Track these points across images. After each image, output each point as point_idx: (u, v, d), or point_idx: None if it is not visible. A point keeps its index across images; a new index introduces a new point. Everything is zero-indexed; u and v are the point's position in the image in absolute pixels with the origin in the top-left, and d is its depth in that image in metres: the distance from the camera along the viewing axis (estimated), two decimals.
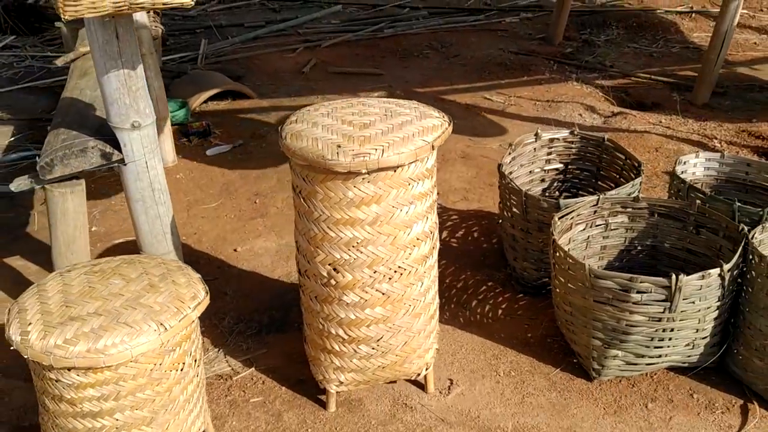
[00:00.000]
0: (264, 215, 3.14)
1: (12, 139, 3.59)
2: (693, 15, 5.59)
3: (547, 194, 2.80)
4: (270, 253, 2.86)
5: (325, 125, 1.83)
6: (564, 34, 5.10)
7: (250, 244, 2.92)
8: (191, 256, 2.80)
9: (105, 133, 2.10)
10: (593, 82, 4.43)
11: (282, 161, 3.55)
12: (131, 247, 2.87)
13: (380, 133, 1.78)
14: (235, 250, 2.89)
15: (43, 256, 2.79)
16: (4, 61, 4.55)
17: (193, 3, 1.77)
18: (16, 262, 2.79)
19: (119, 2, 1.69)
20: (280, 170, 3.49)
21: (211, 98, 4.16)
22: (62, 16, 1.69)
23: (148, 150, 2.08)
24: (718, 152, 3.39)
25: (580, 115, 4.00)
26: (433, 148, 1.80)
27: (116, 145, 2.06)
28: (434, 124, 1.84)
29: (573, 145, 2.71)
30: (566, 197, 2.78)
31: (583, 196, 2.74)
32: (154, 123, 2.08)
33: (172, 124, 3.62)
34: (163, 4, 1.73)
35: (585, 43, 5.12)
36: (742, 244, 2.00)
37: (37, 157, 2.08)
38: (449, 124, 1.87)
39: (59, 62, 2.75)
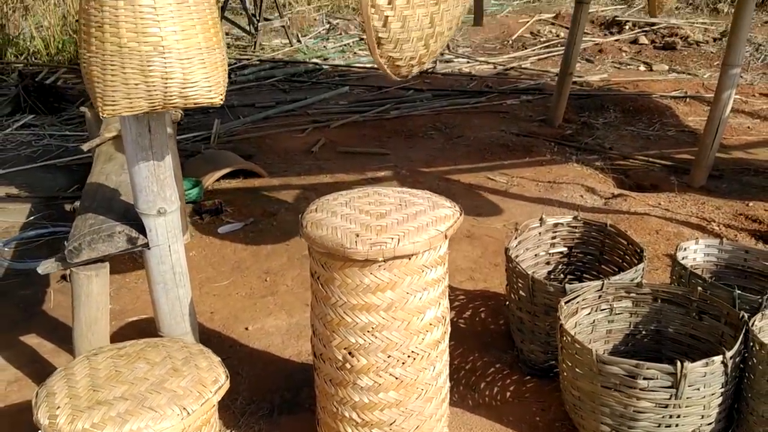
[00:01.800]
0: (274, 293, 3.21)
1: (31, 218, 3.70)
2: (687, 100, 5.82)
3: (552, 277, 2.88)
4: (281, 332, 2.91)
5: (343, 214, 1.93)
6: (564, 116, 5.30)
7: (261, 323, 2.98)
8: (204, 335, 2.85)
9: (130, 217, 2.20)
10: (593, 163, 4.58)
11: (291, 239, 3.65)
12: (145, 325, 2.93)
13: (396, 222, 1.88)
14: (246, 329, 2.95)
15: (59, 334, 2.85)
16: (22, 139, 4.71)
17: (222, 102, 1.90)
18: (32, 339, 2.84)
19: (154, 102, 1.81)
20: (290, 248, 3.58)
21: (224, 177, 4.30)
22: (101, 114, 1.82)
23: (172, 234, 2.17)
24: (717, 236, 3.50)
25: (581, 196, 4.12)
26: (445, 237, 1.90)
27: (141, 229, 2.16)
28: (446, 213, 1.94)
29: (576, 230, 2.81)
30: (571, 280, 2.86)
31: (587, 279, 2.81)
32: (178, 209, 2.18)
33: (186, 203, 3.74)
34: (195, 103, 1.85)
35: (584, 125, 5.31)
36: (743, 331, 2.07)
37: (54, 235, 2.17)
38: (460, 214, 1.98)
39: (85, 147, 2.89)
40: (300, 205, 4.02)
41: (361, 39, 8.60)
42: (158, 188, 2.09)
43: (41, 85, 4.99)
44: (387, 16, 1.85)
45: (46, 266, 2.14)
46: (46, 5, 6.28)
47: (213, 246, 3.64)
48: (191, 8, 1.58)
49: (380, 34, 1.89)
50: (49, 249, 3.46)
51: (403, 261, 1.85)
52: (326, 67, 7.07)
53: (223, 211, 3.95)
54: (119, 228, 2.14)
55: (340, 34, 8.86)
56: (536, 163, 4.61)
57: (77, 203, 2.88)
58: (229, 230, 3.79)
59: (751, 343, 2.07)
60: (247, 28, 7.91)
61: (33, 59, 6.29)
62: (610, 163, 4.61)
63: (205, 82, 1.83)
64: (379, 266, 1.83)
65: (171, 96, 1.80)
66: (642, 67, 7.15)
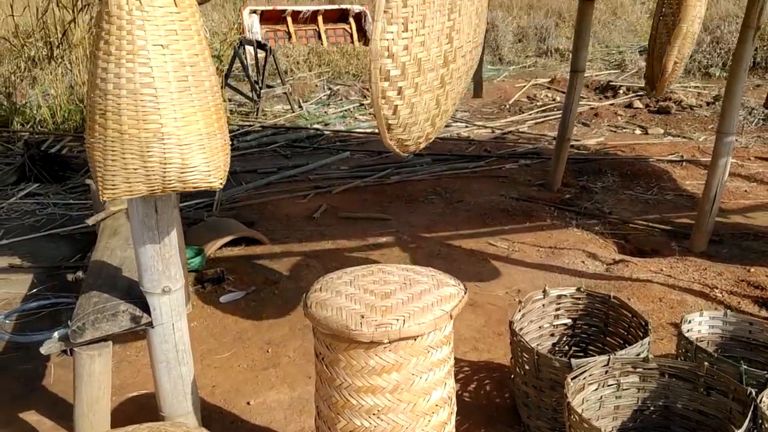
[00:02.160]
0: (276, 365, 3.18)
1: (33, 290, 3.70)
2: (684, 163, 5.90)
3: (557, 349, 2.86)
4: (283, 407, 2.87)
5: (348, 294, 1.93)
6: (562, 180, 5.36)
7: (263, 397, 2.94)
8: (205, 410, 2.81)
9: (134, 295, 2.21)
10: (593, 228, 4.61)
11: (293, 308, 3.63)
12: (146, 401, 2.89)
13: (401, 303, 1.88)
14: (248, 404, 2.91)
15: (59, 410, 2.81)
16: (27, 208, 4.75)
17: (222, 185, 1.93)
18: (32, 416, 2.80)
19: (153, 187, 1.84)
20: (292, 318, 3.57)
21: (226, 244, 4.31)
22: (101, 197, 1.85)
23: (176, 313, 2.17)
24: (721, 303, 3.50)
25: (583, 262, 4.13)
26: (450, 318, 1.90)
27: (145, 307, 2.16)
28: (451, 293, 1.95)
29: (580, 302, 2.81)
30: (576, 353, 2.84)
31: (592, 352, 2.80)
32: (182, 287, 2.19)
33: (188, 271, 3.74)
34: (194, 187, 1.88)
35: (583, 189, 5.36)
36: (751, 408, 2.05)
37: (56, 306, 2.17)
38: (465, 293, 1.98)
39: (90, 222, 2.91)
40: (301, 272, 4.03)
41: (362, 104, 8.77)
42: (163, 267, 2.10)
43: (46, 154, 5.06)
44: (396, 105, 1.90)
45: (49, 347, 2.13)
46: (53, 75, 6.42)
47: (215, 316, 3.62)
48: (192, 95, 1.63)
49: (390, 121, 1.94)
50: (51, 320, 3.45)
51: (409, 342, 1.85)
52: (328, 132, 7.19)
53: (225, 280, 3.95)
54: (123, 307, 2.14)
55: (341, 99, 9.04)
56: (537, 228, 4.64)
57: (79, 273, 2.89)
58: (230, 299, 3.78)
59: (760, 420, 2.04)
60: (250, 94, 8.07)
61: (39, 127, 6.40)
62: (610, 227, 4.63)
63: (205, 166, 1.86)
64: (385, 348, 1.83)
65: (170, 180, 1.83)
66: (638, 131, 7.27)
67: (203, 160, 1.85)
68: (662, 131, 7.25)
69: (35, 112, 6.36)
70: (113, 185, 1.83)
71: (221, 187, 1.92)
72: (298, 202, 5.18)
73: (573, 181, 5.49)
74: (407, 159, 6.14)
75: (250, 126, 7.31)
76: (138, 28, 1.48)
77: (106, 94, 1.49)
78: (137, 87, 1.48)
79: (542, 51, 11.65)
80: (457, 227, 4.69)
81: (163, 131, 1.74)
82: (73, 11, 6.25)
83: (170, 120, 1.74)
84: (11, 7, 6.68)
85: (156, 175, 1.81)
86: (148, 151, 1.76)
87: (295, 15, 11.10)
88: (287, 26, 11.12)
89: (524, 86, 9.52)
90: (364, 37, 11.13)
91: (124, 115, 1.70)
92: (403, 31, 1.77)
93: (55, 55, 6.48)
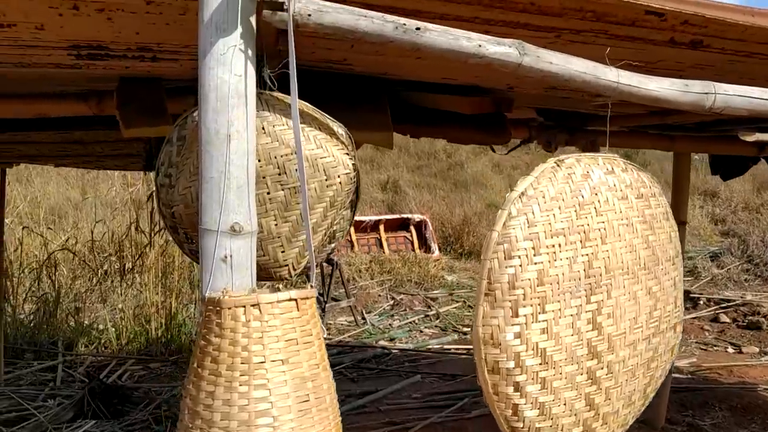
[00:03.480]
0: None
1: None
2: None
3: None
4: None
5: None
6: (666, 415, 4.78)
7: None
8: None
9: None
10: None
11: None
12: None
13: None
14: None
15: None
16: None
17: None
18: None
19: None
20: None
21: None
22: None
23: None
24: None
25: None
26: None
27: None
28: None
29: None
30: None
31: None
32: None
33: None
34: None
35: (690, 427, 4.75)
36: None
37: None
38: None
39: None
40: None
41: (427, 315, 8.50)
42: None
43: (107, 386, 4.82)
44: (517, 405, 1.55)
45: None
46: (124, 297, 6.41)
47: None
48: (314, 418, 1.32)
49: (514, 425, 1.58)
50: None
51: None
52: (395, 351, 6.84)
53: None
54: None
55: (405, 310, 8.80)
56: None
57: None
58: None
59: None
60: None
61: (103, 349, 6.25)
62: None
63: None
64: None
65: None
66: (730, 349, 6.71)
67: None
68: (757, 350, 6.67)
69: (101, 334, 6.26)
70: None
71: None
72: None
73: (678, 416, 4.89)
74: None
75: None
76: (255, 342, 1.23)
77: (211, 426, 1.21)
78: (251, 417, 1.20)
79: None
80: None
81: None
82: (150, 235, 6.39)
83: None
84: (92, 232, 6.92)
85: None
86: None
87: (358, 224, 11.30)
88: (350, 235, 11.29)
89: None
90: (424, 245, 11.19)
91: None
92: (512, 316, 1.48)
93: (127, 276, 6.53)
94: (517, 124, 2.88)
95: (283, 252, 1.53)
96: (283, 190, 1.47)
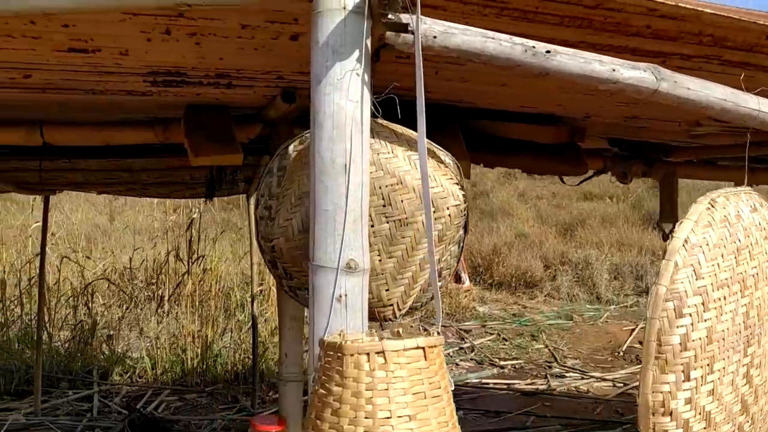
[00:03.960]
0: None
1: None
2: None
3: None
4: None
5: None
6: None
7: None
8: None
9: None
10: None
11: None
12: None
13: None
14: None
15: None
16: None
17: None
18: None
19: None
20: None
21: None
22: None
23: None
24: None
25: None
26: None
27: None
28: None
29: None
30: None
31: None
32: None
33: None
34: None
35: None
36: None
37: None
38: None
39: None
40: None
41: (461, 348, 8.31)
42: None
43: (146, 419, 4.72)
44: None
45: None
46: (160, 327, 6.33)
47: None
48: None
49: None
50: None
51: None
52: None
53: None
54: None
55: None
56: None
57: None
58: None
59: None
60: None
61: (137, 378, 6.15)
62: None
63: None
64: None
65: None
66: None
67: None
68: None
69: (136, 363, 6.17)
70: None
71: None
72: None
73: None
74: (524, 410, 5.50)
75: None
76: (380, 395, 1.12)
77: None
78: None
79: (641, 289, 11.17)
80: None
81: None
82: (188, 263, 6.32)
83: None
84: (130, 260, 6.87)
85: None
86: None
87: None
88: None
89: (633, 329, 8.93)
90: (455, 274, 11.03)
91: None
92: (684, 381, 1.35)
93: (163, 305, 6.46)
94: (590, 154, 2.78)
95: (387, 290, 1.42)
96: (387, 222, 1.37)
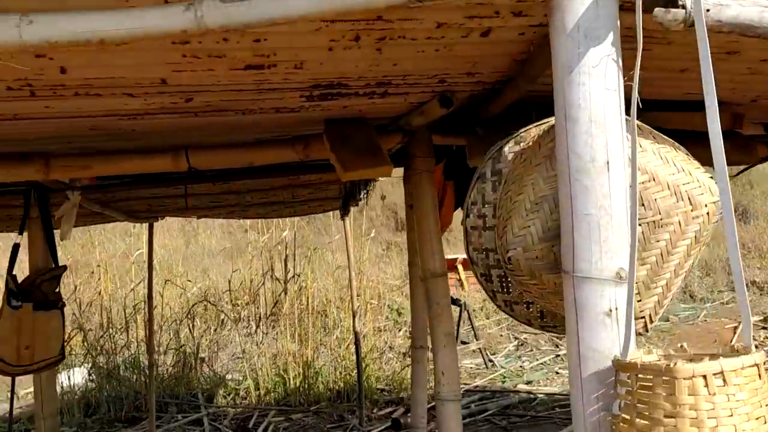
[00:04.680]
0: None
1: None
2: None
3: None
4: None
5: None
6: None
7: None
8: None
9: None
10: None
11: None
12: None
13: None
14: None
15: None
16: None
17: None
18: None
19: None
20: None
21: None
22: None
23: None
24: None
25: None
26: None
27: None
28: None
29: None
30: None
31: None
32: None
33: None
34: None
35: None
36: None
37: None
38: None
39: None
40: None
41: (557, 356, 8.05)
42: None
43: None
44: None
45: None
46: (261, 348, 6.33)
47: None
48: None
49: None
50: None
51: None
52: (541, 395, 6.44)
53: None
54: None
55: (532, 350, 8.39)
56: None
57: None
58: None
59: None
60: None
61: (241, 400, 6.15)
62: None
63: None
64: None
65: None
66: None
67: None
68: None
69: (239, 384, 6.17)
70: None
71: None
72: None
73: None
74: None
75: None
76: (725, 424, 0.96)
77: None
78: None
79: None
80: None
81: None
82: (284, 282, 6.31)
83: None
84: (229, 282, 6.92)
85: None
86: None
87: (466, 263, 10.99)
88: (458, 274, 10.98)
89: (735, 327, 8.50)
90: None
91: None
92: None
93: (261, 325, 6.46)
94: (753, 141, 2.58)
95: (639, 301, 1.28)
96: (640, 225, 1.23)
